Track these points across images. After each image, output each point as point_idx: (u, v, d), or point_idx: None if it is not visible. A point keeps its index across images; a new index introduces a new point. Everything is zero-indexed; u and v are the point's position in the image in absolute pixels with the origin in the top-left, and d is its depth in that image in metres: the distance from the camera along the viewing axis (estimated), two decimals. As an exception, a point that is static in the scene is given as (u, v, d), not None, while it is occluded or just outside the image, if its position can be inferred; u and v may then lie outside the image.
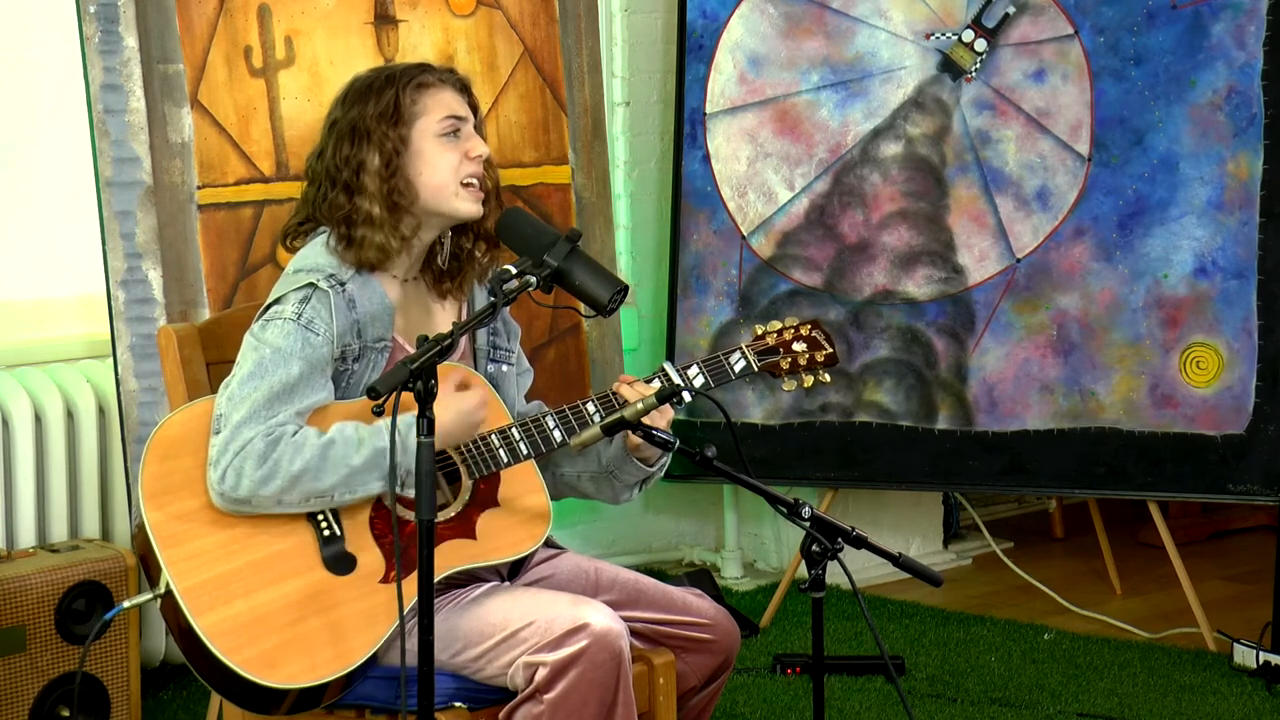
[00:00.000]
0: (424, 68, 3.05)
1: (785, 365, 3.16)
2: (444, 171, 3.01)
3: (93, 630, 3.66)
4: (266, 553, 2.85)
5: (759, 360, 3.15)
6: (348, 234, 2.99)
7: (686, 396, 3.04)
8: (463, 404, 2.95)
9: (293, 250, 3.08)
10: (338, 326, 2.92)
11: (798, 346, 3.16)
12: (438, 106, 3.01)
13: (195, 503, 2.86)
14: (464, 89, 3.07)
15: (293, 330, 2.89)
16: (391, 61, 4.14)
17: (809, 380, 3.17)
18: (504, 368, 3.18)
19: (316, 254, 3.00)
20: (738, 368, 3.13)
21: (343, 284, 2.95)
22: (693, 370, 3.11)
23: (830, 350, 3.18)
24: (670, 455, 3.10)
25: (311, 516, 2.89)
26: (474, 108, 3.08)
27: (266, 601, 2.82)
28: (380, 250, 2.98)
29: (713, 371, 3.11)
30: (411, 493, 2.70)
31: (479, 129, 3.08)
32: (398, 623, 2.81)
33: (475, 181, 3.03)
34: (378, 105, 2.99)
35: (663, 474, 3.16)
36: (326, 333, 2.91)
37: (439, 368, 2.95)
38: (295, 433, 2.85)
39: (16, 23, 4.20)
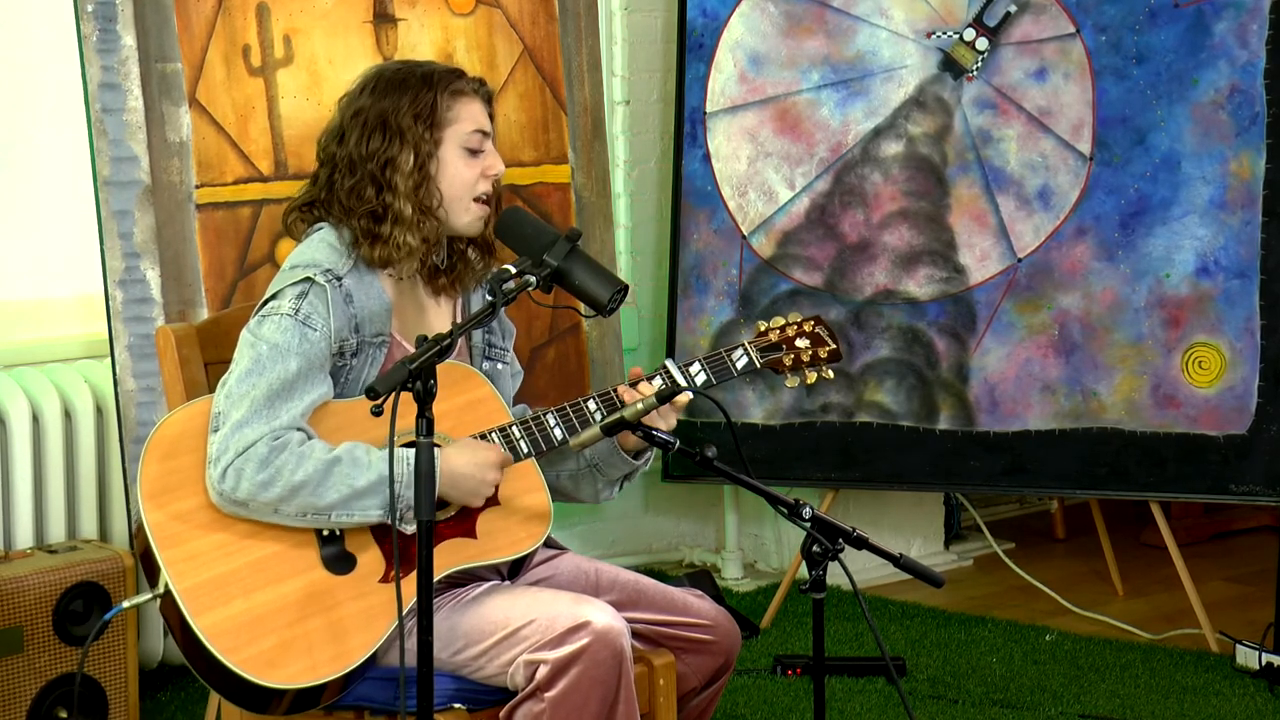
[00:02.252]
0: (458, 74, 3.05)
1: (788, 362, 3.15)
2: (461, 185, 3.01)
3: (91, 631, 3.64)
4: (265, 552, 2.84)
5: (761, 357, 3.14)
6: (373, 230, 2.97)
7: (690, 396, 3.03)
8: (482, 455, 2.91)
9: (291, 233, 3.06)
10: (335, 322, 2.91)
11: (801, 343, 3.16)
12: (469, 118, 3.02)
13: (194, 502, 2.84)
14: (488, 100, 3.07)
15: (290, 326, 2.88)
16: (390, 59, 4.13)
17: (812, 376, 3.17)
18: (499, 366, 3.17)
19: (315, 249, 2.98)
20: (740, 364, 3.12)
21: (340, 279, 2.94)
22: (695, 367, 3.10)
23: (834, 346, 3.17)
24: (654, 452, 3.10)
25: (311, 515, 2.88)
26: (492, 117, 3.08)
27: (265, 601, 2.81)
28: (400, 249, 2.96)
29: (715, 368, 3.10)
30: (410, 529, 2.68)
31: (494, 139, 3.08)
32: (397, 623, 2.80)
33: (485, 197, 3.04)
34: (414, 105, 2.97)
35: (647, 468, 3.15)
36: (324, 328, 2.90)
37: (444, 366, 2.96)
38: (303, 441, 2.83)
39: (14, 22, 4.19)
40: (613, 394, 3.04)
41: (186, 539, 2.82)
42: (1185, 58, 4.53)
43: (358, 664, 2.82)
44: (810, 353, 3.16)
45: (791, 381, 3.17)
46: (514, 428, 2.99)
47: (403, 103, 2.97)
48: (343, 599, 2.84)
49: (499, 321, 3.19)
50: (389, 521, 2.83)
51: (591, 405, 3.03)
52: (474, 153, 3.02)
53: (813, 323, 3.19)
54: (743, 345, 3.14)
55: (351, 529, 2.88)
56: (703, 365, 3.10)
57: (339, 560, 2.87)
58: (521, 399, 3.27)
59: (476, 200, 3.02)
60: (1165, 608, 4.95)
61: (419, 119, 2.97)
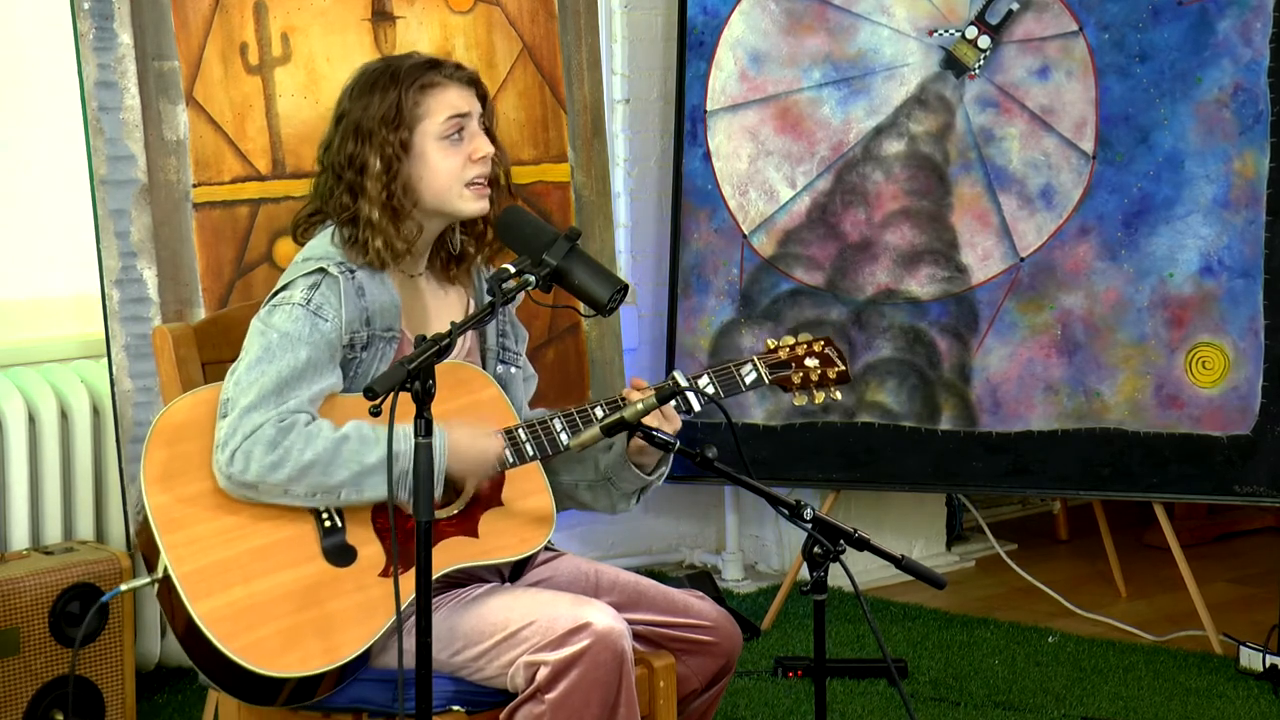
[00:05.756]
0: (430, 65, 3.01)
1: (797, 380, 3.15)
2: (446, 175, 2.98)
3: (86, 618, 3.61)
4: (266, 541, 2.83)
5: (770, 373, 3.14)
6: (352, 234, 2.97)
7: (696, 405, 3.02)
8: (486, 443, 2.91)
9: (302, 242, 3.05)
10: (346, 314, 2.90)
11: (810, 362, 3.16)
12: (441, 107, 2.98)
13: (198, 488, 2.84)
14: (471, 82, 3.04)
15: (301, 315, 2.87)
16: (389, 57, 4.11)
17: (820, 396, 3.17)
18: (512, 370, 3.16)
19: (325, 243, 2.99)
20: (749, 379, 3.12)
21: (353, 271, 2.93)
22: (703, 380, 3.09)
23: (843, 368, 3.18)
24: (669, 465, 3.09)
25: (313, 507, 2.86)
26: (483, 98, 3.05)
27: (264, 590, 2.80)
28: (380, 253, 2.96)
29: (723, 381, 3.10)
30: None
31: (488, 119, 3.05)
32: (394, 618, 2.79)
33: (481, 180, 3.01)
34: (380, 106, 2.96)
35: (661, 483, 3.14)
36: (335, 319, 2.89)
37: (451, 366, 2.94)
38: (309, 422, 2.83)
39: (10, 19, 4.17)
40: (620, 401, 3.03)
41: (188, 523, 2.82)
42: (1189, 56, 4.51)
43: (354, 656, 2.81)
44: (819, 373, 3.16)
45: (799, 399, 3.17)
46: (520, 430, 2.98)
47: (371, 106, 2.97)
48: (341, 591, 2.83)
49: (512, 325, 3.19)
50: (397, 500, 2.82)
51: (599, 412, 3.02)
52: (457, 141, 2.99)
53: (823, 343, 3.18)
54: (752, 361, 3.13)
55: (358, 509, 2.87)
56: (711, 378, 3.10)
57: (340, 552, 2.86)
58: (532, 404, 3.25)
59: (471, 185, 3.00)
60: (1168, 609, 4.93)
61: (385, 121, 2.95)
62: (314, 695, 2.84)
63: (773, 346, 3.18)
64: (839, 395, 3.19)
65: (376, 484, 2.83)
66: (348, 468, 2.82)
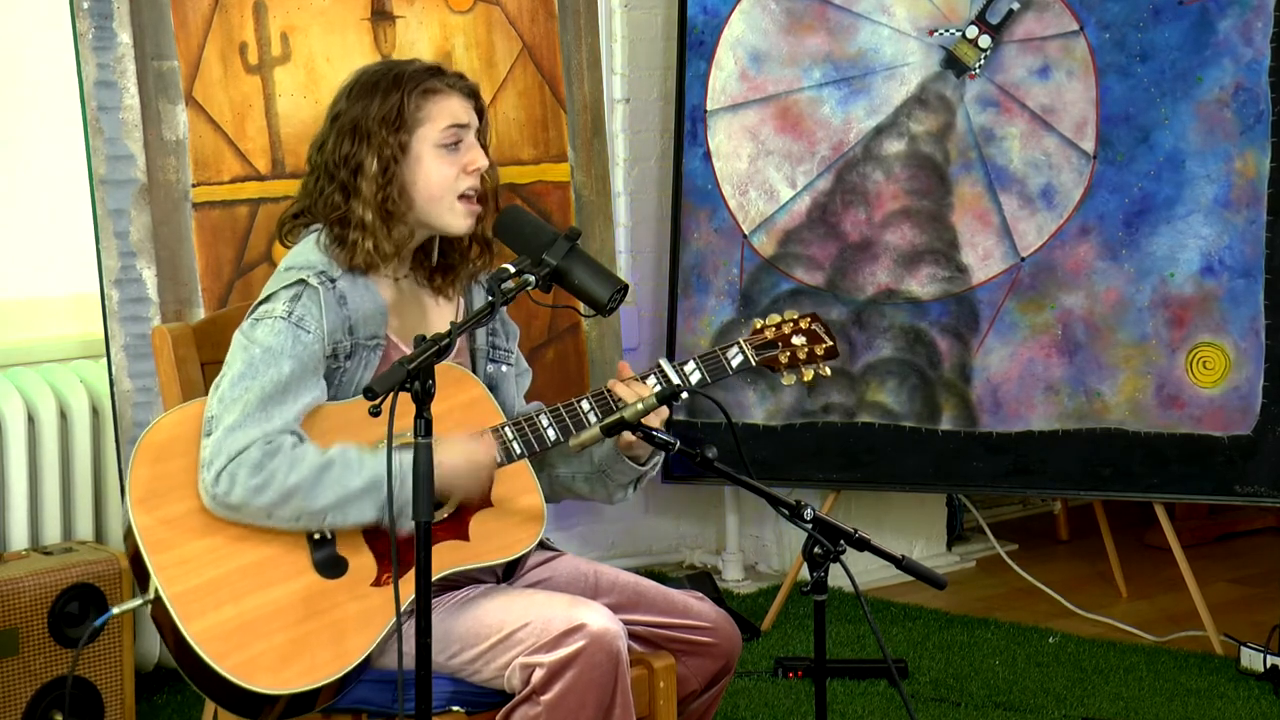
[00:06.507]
0: (434, 72, 3.01)
1: (784, 359, 3.13)
2: (440, 184, 2.97)
3: (84, 636, 3.62)
4: (256, 557, 2.82)
5: (757, 355, 3.12)
6: (341, 234, 2.96)
7: (683, 393, 3.00)
8: (476, 454, 2.90)
9: (285, 243, 3.04)
10: (328, 324, 2.89)
11: (796, 340, 3.14)
12: (442, 114, 2.97)
13: (184, 507, 2.82)
14: (471, 94, 3.03)
15: (283, 328, 2.86)
16: (389, 58, 4.10)
17: (809, 374, 3.14)
18: (503, 368, 3.15)
19: (308, 251, 2.97)
20: (735, 362, 3.10)
21: (333, 280, 2.92)
22: (689, 366, 3.07)
23: (830, 343, 3.15)
24: (662, 454, 3.07)
25: (302, 520, 2.86)
26: (480, 112, 3.04)
27: (256, 606, 2.79)
28: (369, 255, 2.95)
29: (710, 367, 3.08)
30: (408, 525, 2.66)
31: (484, 134, 3.04)
32: (391, 624, 2.79)
33: (472, 194, 3.00)
34: (381, 107, 2.95)
35: (655, 472, 3.13)
36: (317, 330, 2.88)
37: (438, 368, 2.94)
38: (295, 445, 2.81)
39: (9, 19, 4.17)
40: (606, 394, 3.02)
41: (176, 544, 2.80)
42: (1189, 55, 4.51)
43: (352, 668, 2.81)
44: (806, 350, 3.14)
45: (788, 379, 3.15)
46: (506, 428, 2.97)
47: (373, 107, 2.95)
48: (335, 603, 2.82)
49: (502, 323, 3.17)
50: (382, 523, 2.81)
51: (585, 405, 3.00)
52: (453, 150, 2.99)
53: (809, 319, 3.16)
54: (738, 343, 3.12)
55: (344, 532, 2.86)
56: (697, 364, 3.09)
57: (331, 564, 2.85)
58: (527, 398, 3.25)
59: (462, 198, 2.98)
60: (1169, 610, 4.93)
61: (385, 122, 2.94)
62: (313, 707, 2.83)
63: (759, 326, 3.16)
64: (828, 371, 3.16)
65: (362, 508, 2.82)
66: (332, 492, 2.80)
